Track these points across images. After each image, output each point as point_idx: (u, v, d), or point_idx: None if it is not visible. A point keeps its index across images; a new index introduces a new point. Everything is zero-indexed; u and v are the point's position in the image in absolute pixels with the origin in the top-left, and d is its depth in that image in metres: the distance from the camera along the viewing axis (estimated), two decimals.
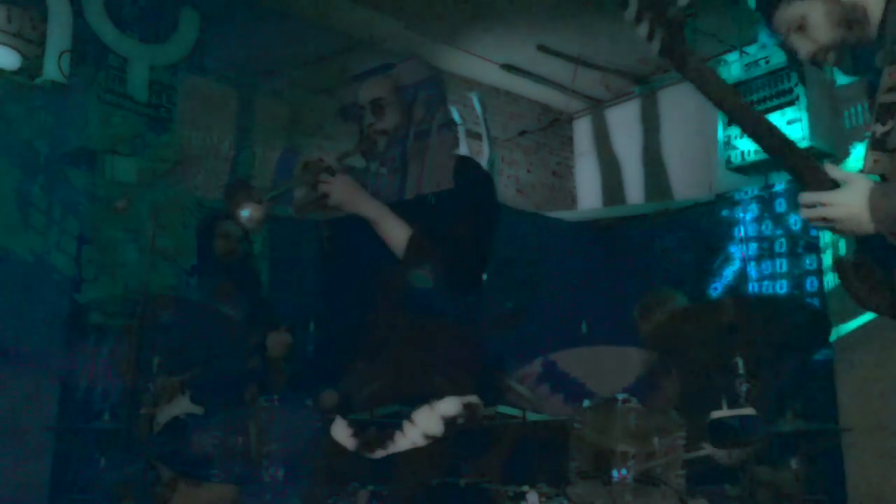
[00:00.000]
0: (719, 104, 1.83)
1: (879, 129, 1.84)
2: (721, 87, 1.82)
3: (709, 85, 1.81)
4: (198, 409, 3.19)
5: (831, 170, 1.84)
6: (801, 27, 1.97)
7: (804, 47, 1.99)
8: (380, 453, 2.50)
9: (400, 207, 2.73)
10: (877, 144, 1.84)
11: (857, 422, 4.85)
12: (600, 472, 2.57)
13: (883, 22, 1.90)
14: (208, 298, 3.75)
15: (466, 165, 2.87)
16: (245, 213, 2.59)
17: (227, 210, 2.68)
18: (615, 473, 2.56)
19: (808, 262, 5.52)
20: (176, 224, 5.07)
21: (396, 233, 2.67)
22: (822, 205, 1.83)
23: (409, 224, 2.67)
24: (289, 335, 3.57)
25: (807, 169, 1.84)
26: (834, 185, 1.82)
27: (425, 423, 2.46)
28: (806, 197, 1.85)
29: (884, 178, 1.84)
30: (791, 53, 2.07)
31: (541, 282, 5.62)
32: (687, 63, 1.77)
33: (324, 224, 2.91)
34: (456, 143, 2.94)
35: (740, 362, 2.96)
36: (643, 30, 1.72)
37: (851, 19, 1.92)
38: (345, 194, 2.65)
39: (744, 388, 2.91)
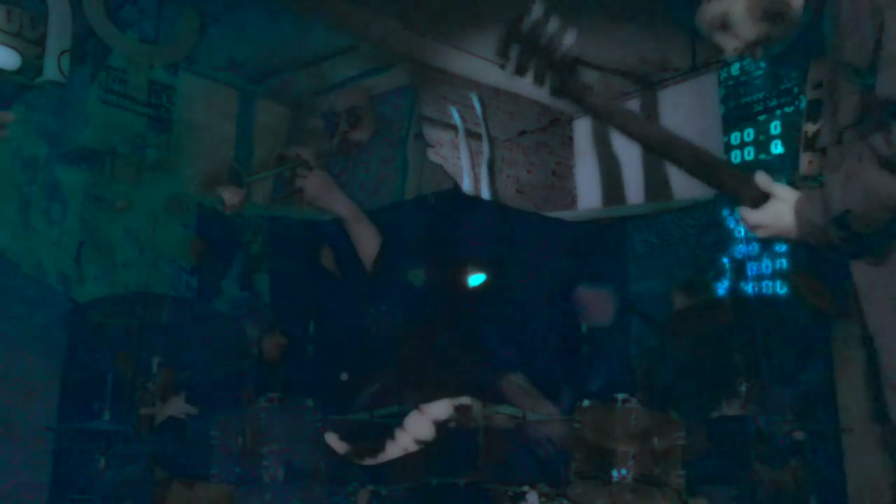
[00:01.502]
0: (628, 134, 1.75)
1: (811, 129, 1.81)
2: (627, 118, 1.75)
3: (612, 117, 1.74)
4: (192, 409, 3.20)
5: (762, 180, 1.78)
6: (724, 25, 1.92)
7: (729, 44, 1.94)
8: (370, 461, 2.50)
9: (379, 213, 2.78)
10: (808, 145, 1.81)
11: (857, 422, 4.84)
12: (600, 472, 2.57)
13: (814, 11, 1.83)
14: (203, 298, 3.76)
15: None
16: (220, 196, 2.60)
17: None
18: (615, 473, 2.56)
19: None
20: (176, 224, 5.07)
21: (367, 239, 2.72)
22: (758, 228, 1.79)
23: (380, 233, 2.72)
24: (283, 338, 3.58)
25: (735, 185, 1.78)
26: (765, 196, 1.76)
27: (416, 429, 2.46)
28: (744, 217, 1.81)
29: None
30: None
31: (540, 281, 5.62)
32: (584, 100, 1.70)
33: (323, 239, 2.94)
34: (424, 151, 3.01)
35: (740, 362, 2.96)
36: (529, 77, 1.65)
37: (773, 12, 1.86)
38: (320, 190, 2.70)
39: (744, 388, 2.92)
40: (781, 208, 1.74)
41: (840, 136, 1.71)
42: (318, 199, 2.71)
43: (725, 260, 5.87)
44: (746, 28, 1.89)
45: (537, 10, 1.61)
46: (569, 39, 1.62)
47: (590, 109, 1.72)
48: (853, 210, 1.62)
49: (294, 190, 2.71)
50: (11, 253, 4.62)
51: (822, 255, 1.80)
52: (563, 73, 1.63)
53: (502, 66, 1.65)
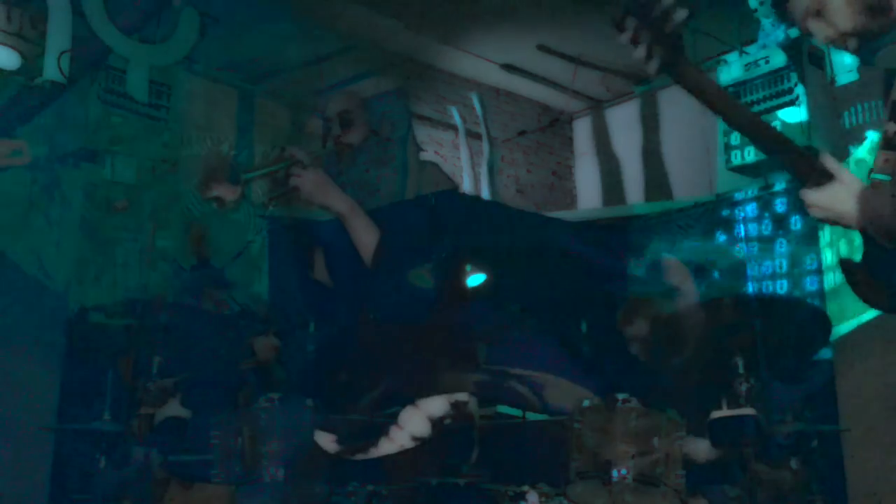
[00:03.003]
0: (718, 111, 1.83)
1: (892, 128, 1.81)
2: (719, 95, 1.83)
3: (707, 94, 1.82)
4: (185, 413, 3.19)
5: (827, 161, 1.82)
6: (819, 12, 1.90)
7: (822, 32, 1.92)
8: (360, 456, 2.51)
9: (378, 213, 2.78)
10: (888, 143, 1.81)
11: (856, 422, 4.84)
12: (600, 472, 2.57)
13: None
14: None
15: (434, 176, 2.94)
16: (215, 193, 2.60)
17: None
18: (615, 473, 2.56)
19: (809, 261, 5.52)
20: (176, 224, 5.07)
21: (365, 234, 2.72)
22: (814, 207, 1.83)
23: (377, 227, 2.72)
24: (276, 339, 3.57)
25: (803, 165, 1.83)
26: (829, 178, 1.80)
27: (412, 425, 2.46)
28: (804, 196, 1.85)
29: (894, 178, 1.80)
30: (792, 48, 2.05)
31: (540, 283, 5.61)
32: (686, 76, 1.77)
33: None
34: (416, 153, 3.02)
35: (740, 362, 2.95)
36: (640, 52, 1.69)
37: (874, 6, 1.83)
38: (315, 187, 2.69)
39: (744, 388, 2.91)
40: (842, 193, 1.79)
41: None
42: (314, 196, 2.71)
43: (717, 269, 5.86)
44: (843, 18, 1.87)
45: None
46: (680, 15, 1.67)
47: (687, 86, 1.79)
48: None
49: (290, 189, 2.71)
50: (11, 253, 4.62)
51: (877, 248, 1.82)
52: (671, 49, 1.69)
53: (619, 34, 1.70)
